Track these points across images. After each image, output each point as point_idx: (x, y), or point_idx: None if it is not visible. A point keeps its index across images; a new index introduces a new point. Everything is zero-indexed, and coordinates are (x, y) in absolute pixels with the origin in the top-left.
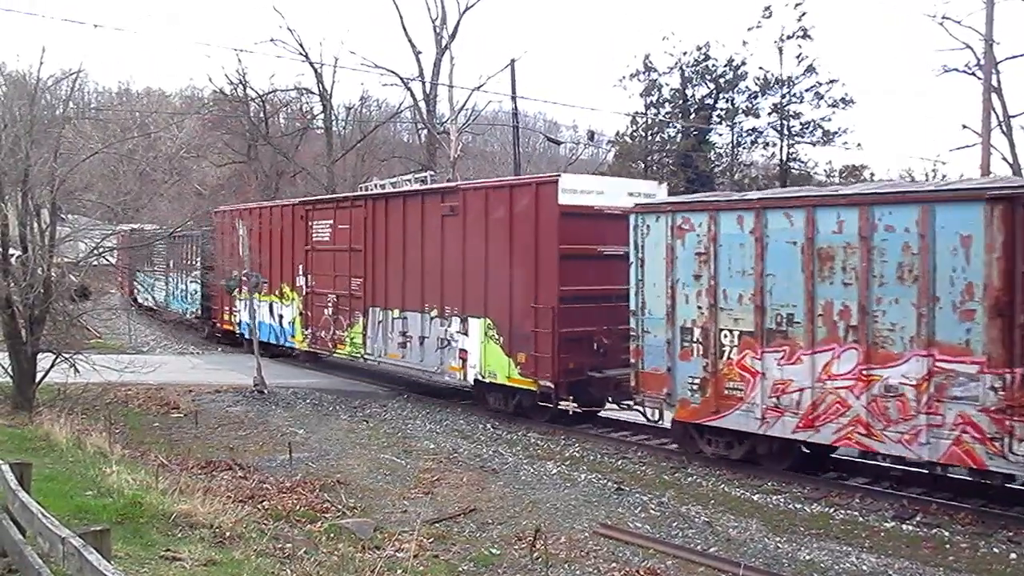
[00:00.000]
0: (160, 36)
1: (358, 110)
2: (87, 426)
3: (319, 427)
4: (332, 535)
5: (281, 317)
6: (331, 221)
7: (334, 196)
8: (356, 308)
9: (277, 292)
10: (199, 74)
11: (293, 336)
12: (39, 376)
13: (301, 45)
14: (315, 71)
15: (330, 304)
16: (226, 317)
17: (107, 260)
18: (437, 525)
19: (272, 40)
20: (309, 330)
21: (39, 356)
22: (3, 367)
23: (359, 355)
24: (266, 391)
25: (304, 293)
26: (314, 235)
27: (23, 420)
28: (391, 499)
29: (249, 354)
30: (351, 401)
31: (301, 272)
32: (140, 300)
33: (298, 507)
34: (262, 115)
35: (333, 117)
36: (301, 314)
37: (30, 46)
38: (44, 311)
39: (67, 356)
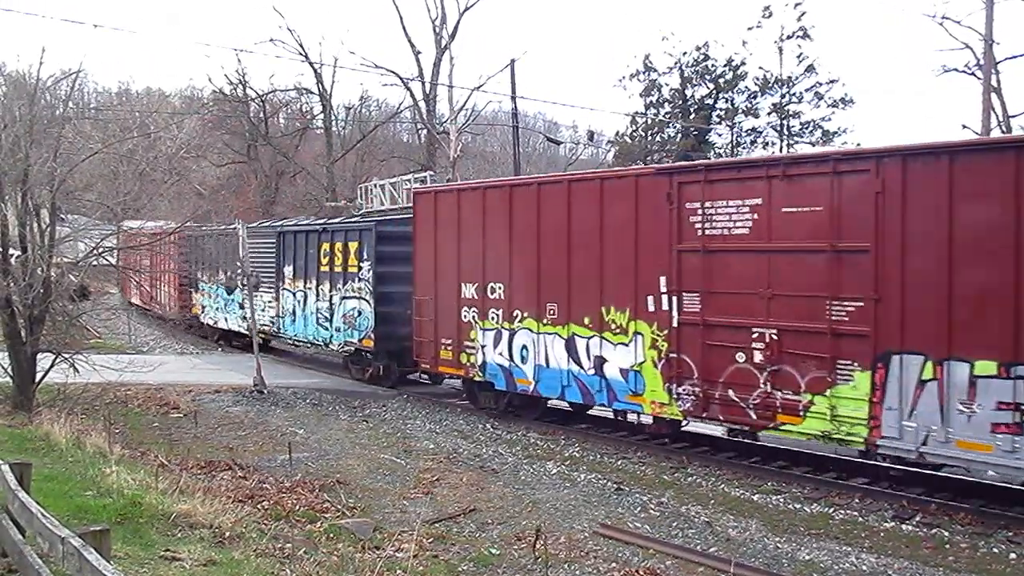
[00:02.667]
0: (160, 36)
1: (358, 110)
2: (87, 426)
3: (319, 427)
4: (332, 535)
5: (600, 361)
6: (760, 200)
7: (772, 158)
8: (846, 353)
9: (582, 320)
10: (199, 74)
11: (638, 392)
12: (39, 376)
13: (301, 45)
14: (315, 71)
15: (757, 344)
16: (448, 354)
17: (107, 260)
18: (437, 525)
19: (272, 40)
20: (685, 385)
21: (39, 356)
22: (3, 367)
23: (859, 437)
24: (266, 391)
25: (671, 323)
26: (705, 225)
27: (23, 420)
28: (391, 499)
29: (248, 353)
30: (351, 401)
31: (663, 289)
32: (205, 319)
33: (298, 507)
34: (262, 115)
35: (333, 117)
36: (663, 358)
37: (30, 46)
38: (44, 311)
39: (67, 356)
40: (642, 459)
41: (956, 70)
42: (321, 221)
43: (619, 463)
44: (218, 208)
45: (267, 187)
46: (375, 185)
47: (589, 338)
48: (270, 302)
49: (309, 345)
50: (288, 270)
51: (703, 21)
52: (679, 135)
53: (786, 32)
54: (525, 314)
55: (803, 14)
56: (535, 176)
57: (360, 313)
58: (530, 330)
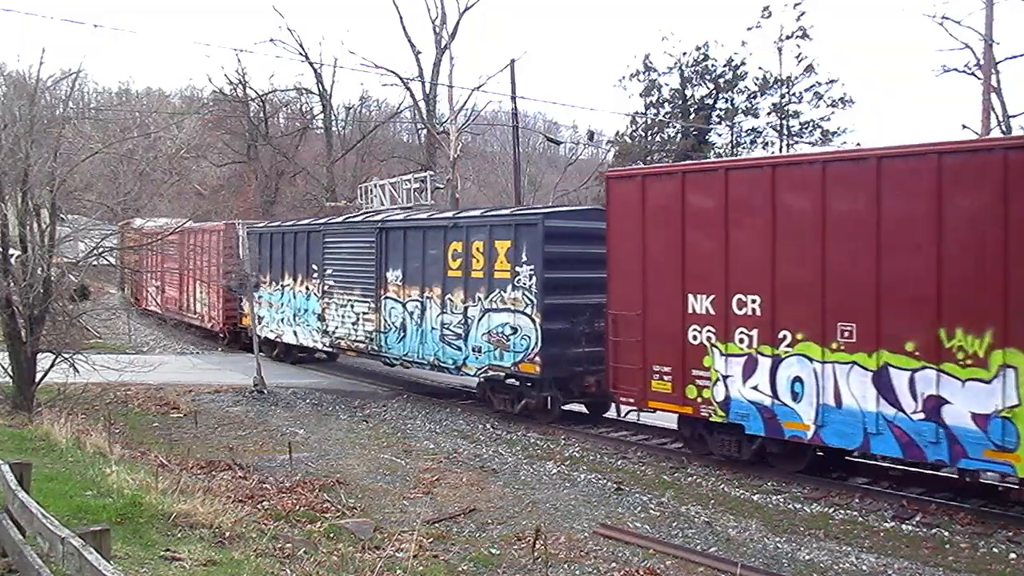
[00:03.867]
0: (160, 36)
1: (358, 110)
2: (87, 426)
3: (319, 427)
4: (332, 535)
5: (936, 402)
6: None
7: None
8: None
9: (900, 345)
10: (199, 74)
11: (1006, 447)
12: (39, 376)
13: (301, 45)
14: (315, 71)
15: None
16: (664, 386)
17: (108, 260)
18: (437, 525)
19: (272, 40)
20: None
21: (39, 356)
22: (3, 367)
23: None
24: (266, 391)
25: None
26: None
27: (23, 420)
28: (391, 499)
29: (248, 353)
30: (351, 401)
31: None
32: (263, 331)
33: (298, 507)
34: (262, 115)
35: (333, 117)
36: None
37: (30, 46)
38: (44, 311)
39: (67, 356)
40: (642, 459)
41: (956, 70)
42: (448, 214)
43: (619, 463)
44: (218, 208)
45: (267, 187)
46: (375, 185)
47: (915, 370)
48: (365, 314)
49: (427, 367)
50: (394, 275)
51: (703, 21)
52: (679, 135)
53: (786, 32)
54: (799, 336)
55: (803, 14)
56: (813, 153)
57: (516, 330)
58: (808, 357)
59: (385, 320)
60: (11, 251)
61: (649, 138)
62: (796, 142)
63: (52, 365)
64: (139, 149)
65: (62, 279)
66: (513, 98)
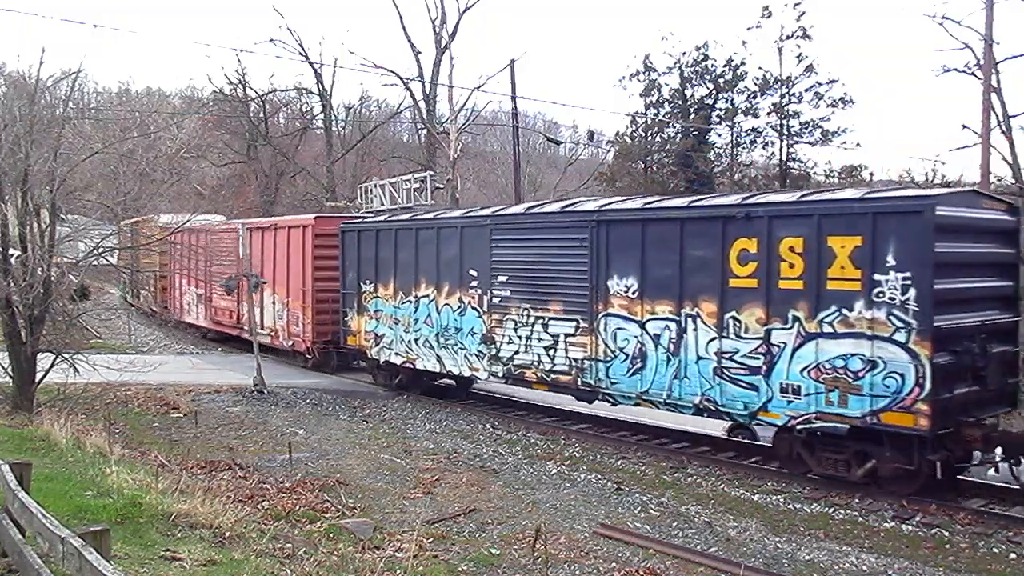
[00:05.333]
0: (160, 36)
1: (358, 110)
2: (87, 426)
3: (319, 427)
4: (332, 535)
5: None
6: None
7: None
8: None
9: None
10: (199, 74)
11: None
12: (39, 376)
13: (301, 45)
14: (315, 71)
15: None
16: None
17: (107, 260)
18: (437, 525)
19: (272, 40)
20: None
21: (39, 356)
22: (3, 367)
23: None
24: (266, 391)
25: None
26: None
27: (23, 420)
28: (391, 499)
29: (249, 353)
30: (351, 401)
31: None
32: (383, 354)
33: (298, 507)
34: (262, 115)
35: (333, 117)
36: None
37: (30, 46)
38: (44, 311)
39: (67, 356)
40: (642, 459)
41: (956, 70)
42: (733, 199)
43: (619, 463)
44: (218, 208)
45: (267, 187)
46: (375, 185)
47: None
48: (570, 336)
49: (686, 410)
50: (623, 284)
51: (703, 21)
52: (679, 135)
53: (786, 32)
54: None
55: (803, 14)
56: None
57: (875, 364)
58: None
59: (606, 345)
60: (11, 251)
61: (649, 138)
62: (796, 142)
63: (52, 365)
64: (139, 149)
65: (62, 279)
66: (513, 98)
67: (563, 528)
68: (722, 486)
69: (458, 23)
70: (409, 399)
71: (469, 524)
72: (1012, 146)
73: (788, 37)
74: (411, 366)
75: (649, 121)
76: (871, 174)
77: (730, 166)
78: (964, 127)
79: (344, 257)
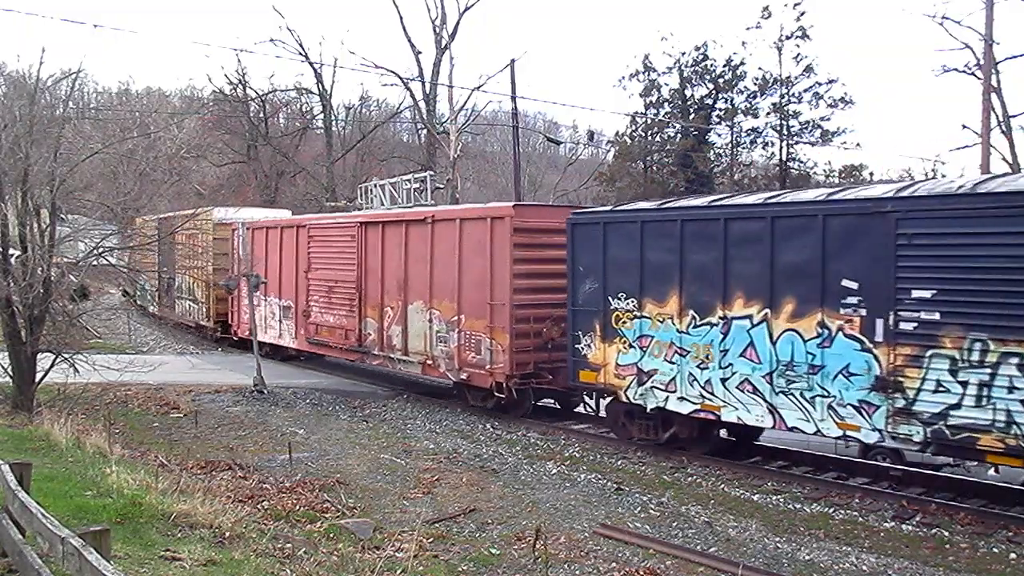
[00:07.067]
0: (160, 36)
1: (358, 110)
2: (87, 426)
3: (319, 427)
4: (332, 535)
5: None
6: None
7: None
8: None
9: None
10: (199, 74)
11: None
12: (39, 376)
13: (301, 45)
14: (315, 71)
15: None
16: None
17: (107, 260)
18: (437, 525)
19: (272, 40)
20: None
21: (39, 356)
22: (3, 367)
23: None
24: (266, 391)
25: None
26: None
27: (23, 420)
28: (391, 499)
29: (249, 353)
30: (351, 401)
31: None
32: (651, 399)
33: (298, 507)
34: (262, 115)
35: (333, 117)
36: None
37: (30, 46)
38: (44, 311)
39: (67, 356)
40: (642, 459)
41: (956, 70)
42: None
43: (619, 463)
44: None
45: (267, 187)
46: (375, 185)
47: None
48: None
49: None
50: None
51: (702, 21)
52: (679, 135)
53: (785, 32)
54: None
55: (802, 14)
56: None
57: None
58: None
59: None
60: (11, 251)
61: (649, 138)
62: (796, 142)
63: (52, 365)
64: (139, 149)
65: (62, 279)
66: (513, 98)
67: (563, 528)
68: (722, 486)
69: (458, 23)
70: (409, 399)
71: (469, 524)
72: (1012, 146)
73: (788, 37)
74: (708, 416)
75: (649, 121)
76: (871, 174)
77: (730, 166)
78: (964, 127)
79: (576, 261)
